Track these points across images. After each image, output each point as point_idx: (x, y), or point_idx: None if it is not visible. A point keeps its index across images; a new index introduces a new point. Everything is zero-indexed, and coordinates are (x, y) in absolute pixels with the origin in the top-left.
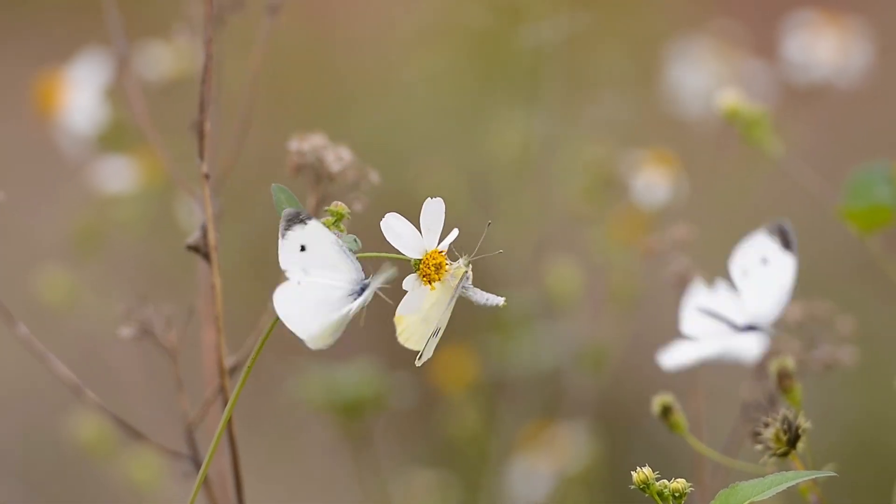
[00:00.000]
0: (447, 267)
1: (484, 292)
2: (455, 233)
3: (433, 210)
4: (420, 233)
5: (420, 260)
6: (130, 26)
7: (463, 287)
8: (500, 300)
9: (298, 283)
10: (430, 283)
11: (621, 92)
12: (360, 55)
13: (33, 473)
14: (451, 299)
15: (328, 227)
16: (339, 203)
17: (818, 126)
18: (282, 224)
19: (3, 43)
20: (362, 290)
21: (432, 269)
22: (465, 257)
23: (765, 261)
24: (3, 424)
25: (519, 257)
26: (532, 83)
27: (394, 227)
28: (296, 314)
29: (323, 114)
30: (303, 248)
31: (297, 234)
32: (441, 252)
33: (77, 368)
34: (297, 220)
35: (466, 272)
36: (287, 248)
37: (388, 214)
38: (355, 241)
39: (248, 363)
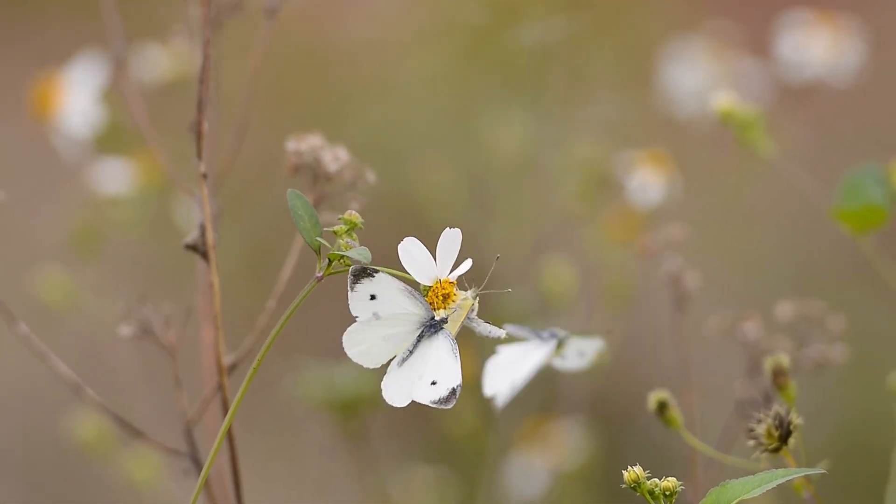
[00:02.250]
0: (455, 298)
1: (487, 324)
2: (468, 263)
3: (450, 239)
4: (435, 260)
5: (430, 287)
6: (129, 28)
7: (468, 318)
8: (502, 333)
9: (370, 323)
10: (435, 311)
11: (617, 92)
12: (357, 56)
13: (33, 472)
14: (456, 330)
15: (340, 235)
16: (353, 212)
17: (812, 125)
18: (350, 279)
19: (4, 43)
20: (430, 326)
21: (440, 298)
22: (473, 290)
23: None
24: (4, 423)
25: (516, 256)
26: (529, 83)
27: (411, 252)
28: (364, 351)
29: (320, 114)
30: (373, 297)
31: (366, 286)
32: (451, 283)
33: (77, 367)
34: (364, 274)
35: (473, 305)
36: (357, 298)
37: (407, 238)
38: (367, 252)
39: (253, 365)
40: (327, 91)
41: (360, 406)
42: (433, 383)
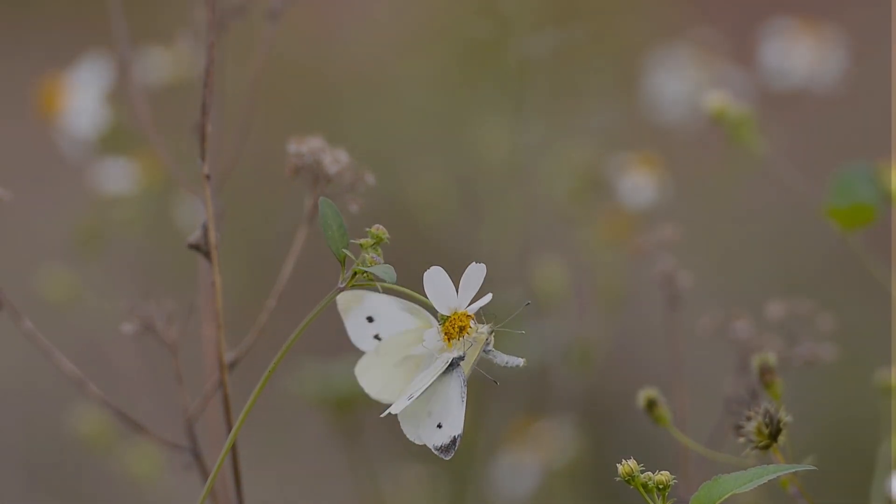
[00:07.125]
0: (470, 331)
1: (504, 355)
2: (488, 297)
3: (474, 273)
4: (457, 291)
5: (447, 317)
6: (134, 30)
7: (484, 350)
8: (521, 361)
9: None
10: (448, 341)
11: (605, 98)
12: (354, 60)
13: (35, 466)
14: (470, 367)
15: (366, 248)
16: (380, 226)
17: (795, 131)
18: (339, 305)
19: (8, 44)
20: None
21: (455, 329)
22: (490, 325)
23: None
24: (7, 417)
25: (507, 257)
26: (519, 88)
27: (435, 281)
28: (381, 386)
29: (318, 117)
30: (370, 320)
31: (360, 309)
32: (468, 315)
33: (79, 363)
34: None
35: (488, 339)
36: (354, 325)
37: (433, 267)
38: (392, 271)
39: (270, 367)
40: (326, 95)
41: (354, 403)
42: (439, 426)
